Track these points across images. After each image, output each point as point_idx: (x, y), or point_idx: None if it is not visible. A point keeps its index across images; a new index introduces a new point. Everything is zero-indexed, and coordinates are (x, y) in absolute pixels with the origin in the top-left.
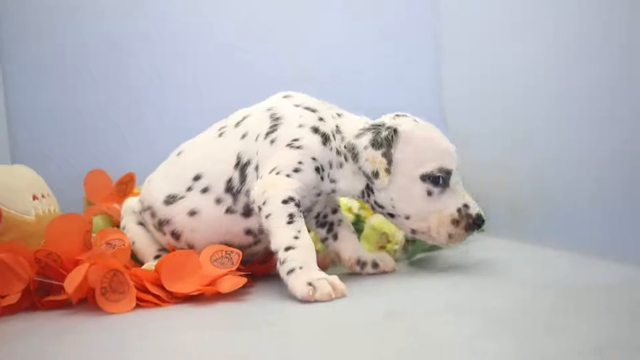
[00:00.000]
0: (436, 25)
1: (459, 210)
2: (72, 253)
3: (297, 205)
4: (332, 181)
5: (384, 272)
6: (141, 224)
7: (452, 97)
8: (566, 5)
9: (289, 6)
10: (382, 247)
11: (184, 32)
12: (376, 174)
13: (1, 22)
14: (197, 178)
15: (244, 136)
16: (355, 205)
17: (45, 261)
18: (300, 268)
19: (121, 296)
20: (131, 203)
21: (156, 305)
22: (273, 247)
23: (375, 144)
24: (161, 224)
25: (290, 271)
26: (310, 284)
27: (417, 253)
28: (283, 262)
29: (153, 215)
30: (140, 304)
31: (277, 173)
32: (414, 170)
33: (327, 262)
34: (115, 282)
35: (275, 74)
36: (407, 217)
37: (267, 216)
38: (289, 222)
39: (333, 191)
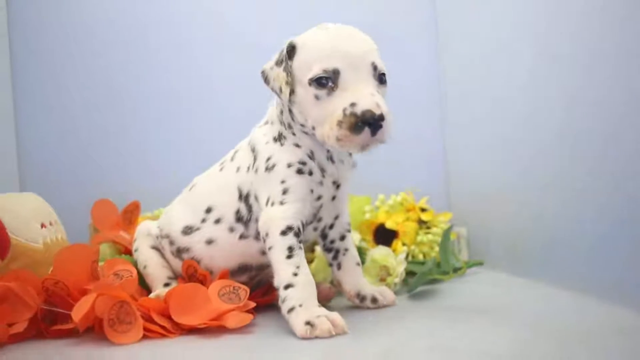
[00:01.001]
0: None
1: (344, 110)
2: (80, 282)
3: (297, 234)
4: (297, 145)
5: (384, 306)
6: (154, 248)
7: (452, 129)
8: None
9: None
10: (383, 280)
11: (185, 65)
12: (280, 90)
13: (13, 50)
14: (209, 210)
15: (238, 170)
16: (356, 237)
17: (52, 289)
18: (300, 306)
19: (128, 327)
20: (146, 226)
21: (162, 335)
22: (275, 283)
23: (278, 62)
24: (180, 252)
25: (290, 310)
26: (308, 322)
27: (417, 286)
28: (283, 301)
29: (171, 243)
30: (147, 334)
31: (272, 204)
32: (305, 77)
33: (332, 293)
34: (122, 313)
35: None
36: (314, 128)
37: (269, 248)
38: (288, 257)
39: (310, 157)
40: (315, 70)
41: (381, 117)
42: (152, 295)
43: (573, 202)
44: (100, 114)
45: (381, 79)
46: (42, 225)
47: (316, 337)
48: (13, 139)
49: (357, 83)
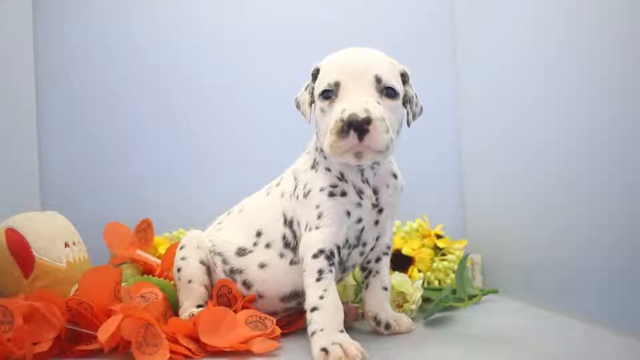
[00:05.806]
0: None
1: (336, 117)
2: (103, 303)
3: (328, 257)
4: (328, 169)
5: (399, 333)
6: (203, 263)
7: (469, 156)
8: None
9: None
10: (399, 306)
11: (208, 93)
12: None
13: (38, 74)
14: (259, 234)
15: (282, 195)
16: None
17: (76, 309)
18: (322, 330)
19: (154, 349)
20: (196, 237)
21: (187, 357)
22: (305, 305)
23: (306, 86)
24: (233, 272)
25: (313, 333)
26: (324, 349)
27: (434, 313)
28: (309, 323)
29: (225, 262)
30: (172, 356)
31: (310, 229)
32: (316, 93)
33: (358, 313)
34: (148, 335)
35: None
36: (322, 145)
37: (303, 272)
38: (317, 280)
39: (339, 178)
40: (322, 85)
41: (366, 121)
42: (185, 315)
43: (589, 233)
44: (119, 137)
45: (389, 93)
46: (66, 245)
47: None
48: (36, 158)
49: (354, 92)
